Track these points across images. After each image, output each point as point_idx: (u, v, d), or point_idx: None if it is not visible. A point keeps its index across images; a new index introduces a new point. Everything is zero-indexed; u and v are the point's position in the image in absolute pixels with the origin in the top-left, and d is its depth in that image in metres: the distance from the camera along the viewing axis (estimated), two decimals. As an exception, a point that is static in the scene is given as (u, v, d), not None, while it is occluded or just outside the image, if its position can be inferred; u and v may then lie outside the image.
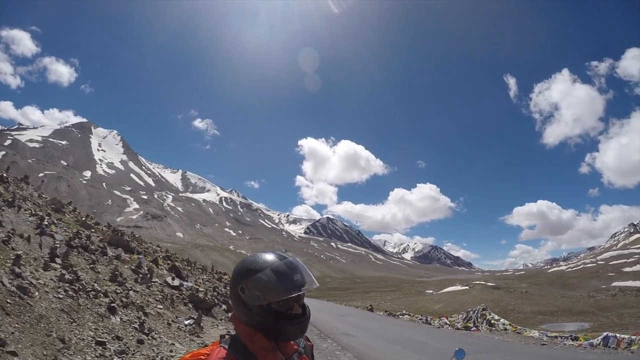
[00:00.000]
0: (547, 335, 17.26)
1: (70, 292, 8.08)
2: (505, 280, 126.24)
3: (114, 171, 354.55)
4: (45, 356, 5.54)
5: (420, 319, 27.91)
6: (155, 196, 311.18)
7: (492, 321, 22.44)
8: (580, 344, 14.38)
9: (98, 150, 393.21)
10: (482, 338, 17.11)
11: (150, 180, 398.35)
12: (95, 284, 9.81)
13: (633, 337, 13.17)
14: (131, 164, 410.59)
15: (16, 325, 5.76)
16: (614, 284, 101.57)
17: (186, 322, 12.74)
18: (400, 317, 30.96)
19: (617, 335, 13.60)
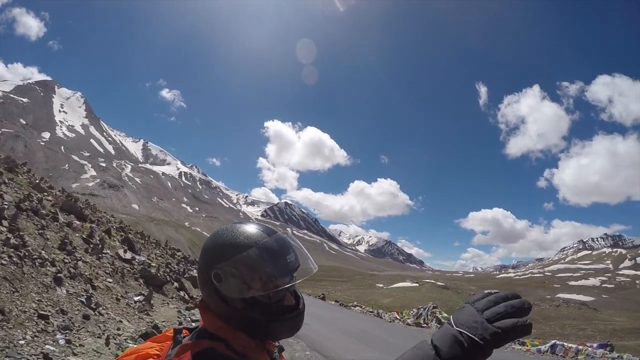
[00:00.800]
0: None
1: (14, 259, 7.55)
2: (454, 281, 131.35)
3: (74, 135, 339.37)
4: (-19, 329, 5.14)
5: (371, 312, 28.50)
6: (114, 165, 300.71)
7: (442, 319, 23.24)
8: (528, 349, 15.11)
9: (60, 111, 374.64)
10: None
11: (110, 148, 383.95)
12: (43, 252, 9.25)
13: (580, 347, 14.02)
14: (92, 129, 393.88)
15: (-49, 292, 5.31)
16: (559, 295, 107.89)
17: (136, 299, 12.31)
18: (352, 308, 31.51)
19: (565, 344, 14.40)
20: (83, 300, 8.87)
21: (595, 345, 14.63)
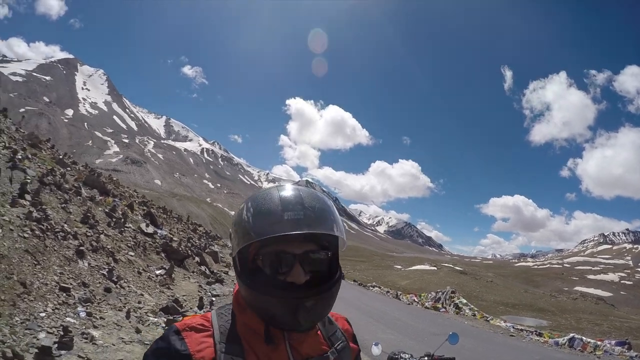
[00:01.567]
0: (514, 327, 17.73)
1: (37, 232, 7.63)
2: (472, 266, 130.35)
3: (96, 111, 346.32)
4: (2, 301, 5.17)
5: (390, 293, 28.48)
6: (137, 141, 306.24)
7: (460, 305, 22.99)
8: (545, 340, 14.77)
9: (82, 88, 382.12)
10: (453, 321, 17.43)
11: (133, 124, 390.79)
12: (65, 225, 9.37)
13: (598, 342, 13.62)
14: (115, 106, 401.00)
15: (-27, 263, 5.36)
16: (577, 288, 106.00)
17: (157, 272, 12.49)
18: (371, 288, 31.57)
19: (583, 338, 14.01)
20: (105, 273, 8.99)
21: (613, 342, 14.15)
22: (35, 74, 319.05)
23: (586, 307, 56.70)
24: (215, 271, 18.56)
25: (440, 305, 23.37)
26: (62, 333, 5.27)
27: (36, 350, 4.66)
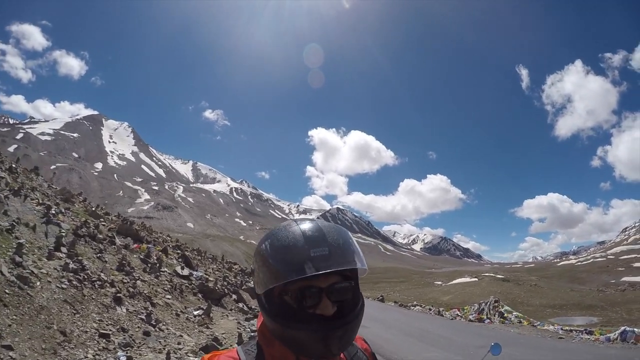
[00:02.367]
0: (562, 329, 16.79)
1: (74, 282, 7.81)
2: (514, 272, 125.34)
3: (125, 162, 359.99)
4: (44, 350, 5.24)
5: (431, 311, 27.51)
6: (166, 187, 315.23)
7: (505, 314, 21.98)
8: (596, 338, 13.93)
9: (109, 142, 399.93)
10: (498, 331, 16.66)
11: (161, 171, 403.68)
12: (102, 274, 9.56)
13: None
14: (142, 155, 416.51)
15: (14, 317, 5.48)
16: (624, 279, 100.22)
17: (195, 313, 12.49)
18: (412, 308, 30.58)
19: (635, 330, 13.05)
20: (143, 317, 9.04)
21: None
22: (62, 132, 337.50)
23: (636, 297, 53.84)
24: (253, 307, 18.41)
25: (484, 317, 22.36)
26: (103, 378, 5.27)
27: (78, 397, 4.65)
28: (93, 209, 17.79)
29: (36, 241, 9.09)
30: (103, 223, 15.35)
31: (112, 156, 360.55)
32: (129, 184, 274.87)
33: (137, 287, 10.60)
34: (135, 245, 14.76)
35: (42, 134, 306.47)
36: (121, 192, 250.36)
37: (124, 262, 11.51)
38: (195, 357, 8.26)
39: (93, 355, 5.98)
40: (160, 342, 8.32)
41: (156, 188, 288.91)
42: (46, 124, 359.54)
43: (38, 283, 6.82)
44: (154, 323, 9.19)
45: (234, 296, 18.45)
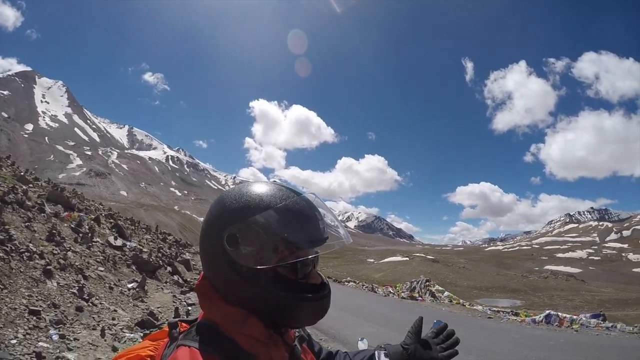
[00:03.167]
0: (490, 310, 18.37)
1: (1, 254, 7.34)
2: (444, 254, 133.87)
3: (57, 124, 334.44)
4: (-31, 331, 4.98)
5: (366, 287, 28.84)
6: (100, 152, 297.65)
7: (436, 293, 23.61)
8: (522, 319, 15.42)
9: (42, 101, 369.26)
10: (431, 308, 17.85)
11: (95, 136, 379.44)
12: (30, 244, 9.02)
13: (574, 317, 14.36)
14: (76, 118, 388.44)
15: None
16: (547, 267, 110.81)
17: (129, 286, 12.19)
18: (346, 283, 31.86)
19: (559, 314, 14.70)
20: (75, 291, 8.71)
21: (588, 315, 14.98)
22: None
23: (557, 284, 59.36)
24: (188, 279, 18.26)
25: (416, 295, 23.91)
26: (35, 359, 5.13)
27: (10, 379, 4.52)
28: (22, 173, 16.40)
29: (-45, 206, 8.36)
30: (32, 189, 14.27)
31: (44, 117, 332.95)
32: (60, 147, 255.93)
33: (68, 259, 10.12)
34: (66, 213, 13.96)
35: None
36: (52, 156, 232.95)
37: (54, 231, 10.89)
38: (131, 333, 8.16)
39: (23, 335, 5.75)
40: (94, 317, 8.10)
41: (89, 153, 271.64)
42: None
43: (-40, 255, 6.36)
44: (87, 297, 8.90)
45: (169, 268, 18.13)
